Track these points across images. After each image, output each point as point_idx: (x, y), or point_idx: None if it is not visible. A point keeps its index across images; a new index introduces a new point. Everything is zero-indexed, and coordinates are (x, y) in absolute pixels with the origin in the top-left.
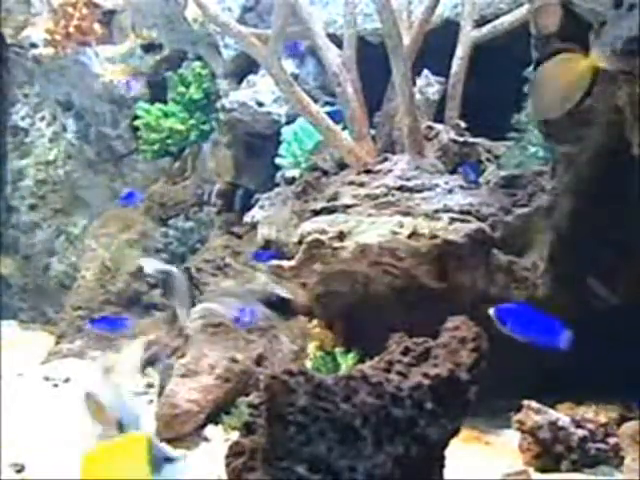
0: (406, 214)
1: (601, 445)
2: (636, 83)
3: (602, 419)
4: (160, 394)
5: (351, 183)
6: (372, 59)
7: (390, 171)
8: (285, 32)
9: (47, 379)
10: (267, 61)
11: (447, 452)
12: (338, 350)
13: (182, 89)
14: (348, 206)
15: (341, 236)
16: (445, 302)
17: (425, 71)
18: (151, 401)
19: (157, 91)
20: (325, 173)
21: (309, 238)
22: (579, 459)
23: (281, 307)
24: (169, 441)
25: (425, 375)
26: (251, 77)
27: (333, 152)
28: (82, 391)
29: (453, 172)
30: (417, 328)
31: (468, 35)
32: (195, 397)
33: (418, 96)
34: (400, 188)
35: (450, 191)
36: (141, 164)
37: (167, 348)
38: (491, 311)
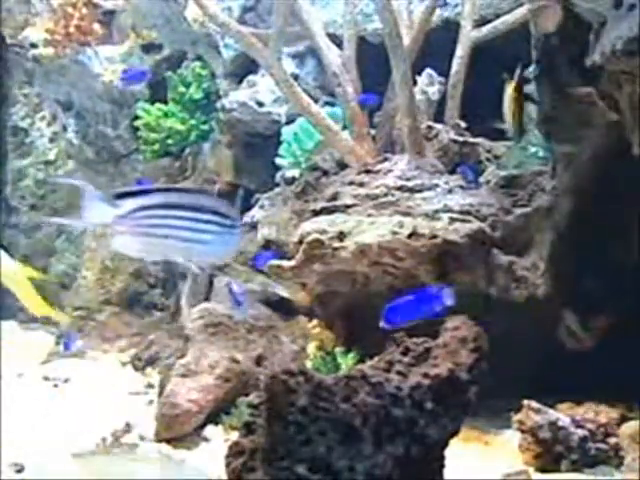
0: (406, 214)
1: (601, 445)
2: (636, 83)
3: (602, 419)
4: (160, 394)
5: (351, 183)
6: (372, 59)
7: (390, 171)
8: (285, 32)
9: (47, 379)
10: (267, 61)
11: (447, 452)
12: (338, 350)
13: (182, 89)
14: (348, 206)
15: (341, 236)
16: None
17: (428, 70)
18: (151, 401)
19: (157, 91)
20: (325, 173)
21: (309, 238)
22: (579, 459)
23: (281, 307)
24: (169, 441)
25: (425, 375)
26: (251, 77)
27: (333, 152)
28: None
29: (453, 172)
30: (417, 328)
31: (468, 35)
32: (195, 397)
33: (419, 95)
34: (400, 188)
35: (450, 191)
36: (141, 164)
37: (167, 348)
38: (381, 324)
